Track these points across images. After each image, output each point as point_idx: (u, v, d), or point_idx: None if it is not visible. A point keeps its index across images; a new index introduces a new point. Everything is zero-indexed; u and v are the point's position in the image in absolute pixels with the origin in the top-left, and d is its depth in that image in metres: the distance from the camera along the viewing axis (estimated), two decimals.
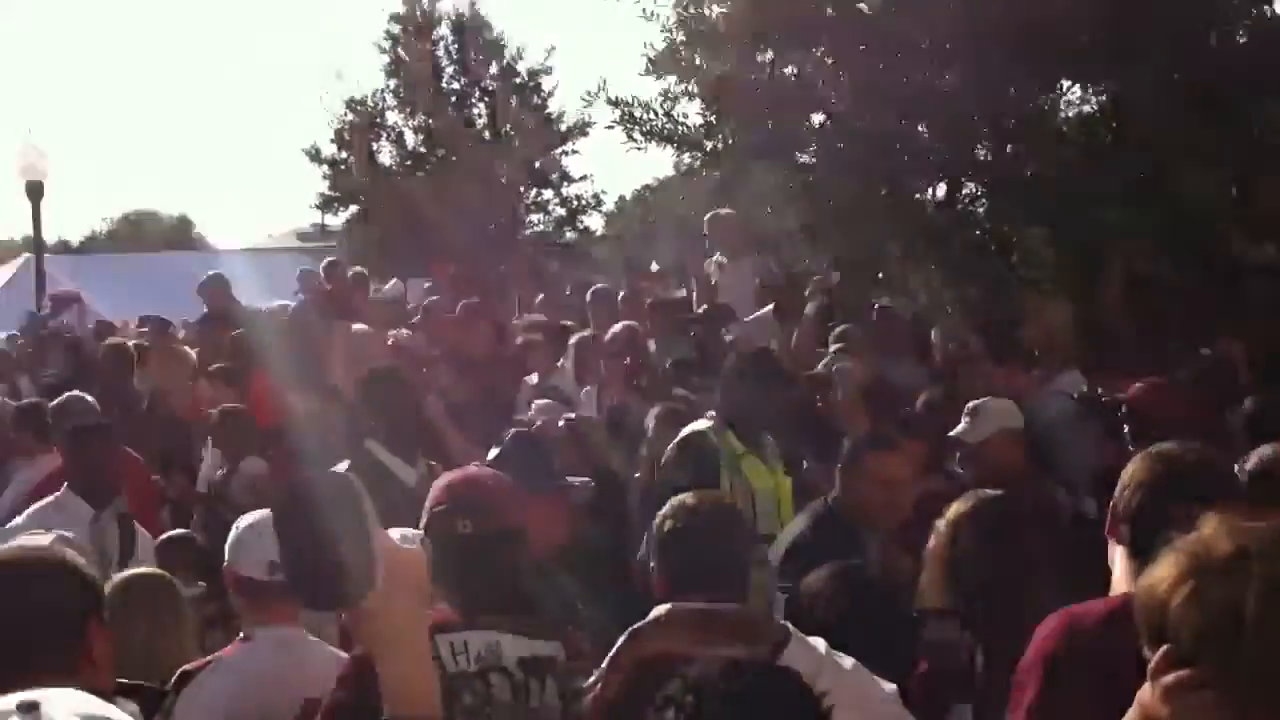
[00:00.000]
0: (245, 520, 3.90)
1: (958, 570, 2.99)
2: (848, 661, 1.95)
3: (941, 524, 3.16)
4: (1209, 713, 1.61)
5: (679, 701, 1.76)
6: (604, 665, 2.03)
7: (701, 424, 5.26)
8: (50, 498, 5.58)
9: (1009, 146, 10.02)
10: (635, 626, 2.02)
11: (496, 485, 3.29)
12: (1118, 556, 2.71)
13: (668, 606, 2.06)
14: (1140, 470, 2.72)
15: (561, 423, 6.27)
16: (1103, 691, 2.02)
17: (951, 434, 5.41)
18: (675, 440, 5.29)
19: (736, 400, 5.36)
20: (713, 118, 10.78)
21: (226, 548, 3.90)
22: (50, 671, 2.19)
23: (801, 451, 5.99)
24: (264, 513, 3.55)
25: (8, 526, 5.36)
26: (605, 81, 11.17)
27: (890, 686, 1.99)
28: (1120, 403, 5.32)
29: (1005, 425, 5.33)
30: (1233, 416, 5.46)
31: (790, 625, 1.98)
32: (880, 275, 10.05)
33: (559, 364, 8.54)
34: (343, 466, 4.61)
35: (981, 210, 10.43)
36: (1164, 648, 1.67)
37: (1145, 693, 1.73)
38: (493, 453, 4.47)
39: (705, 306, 8.16)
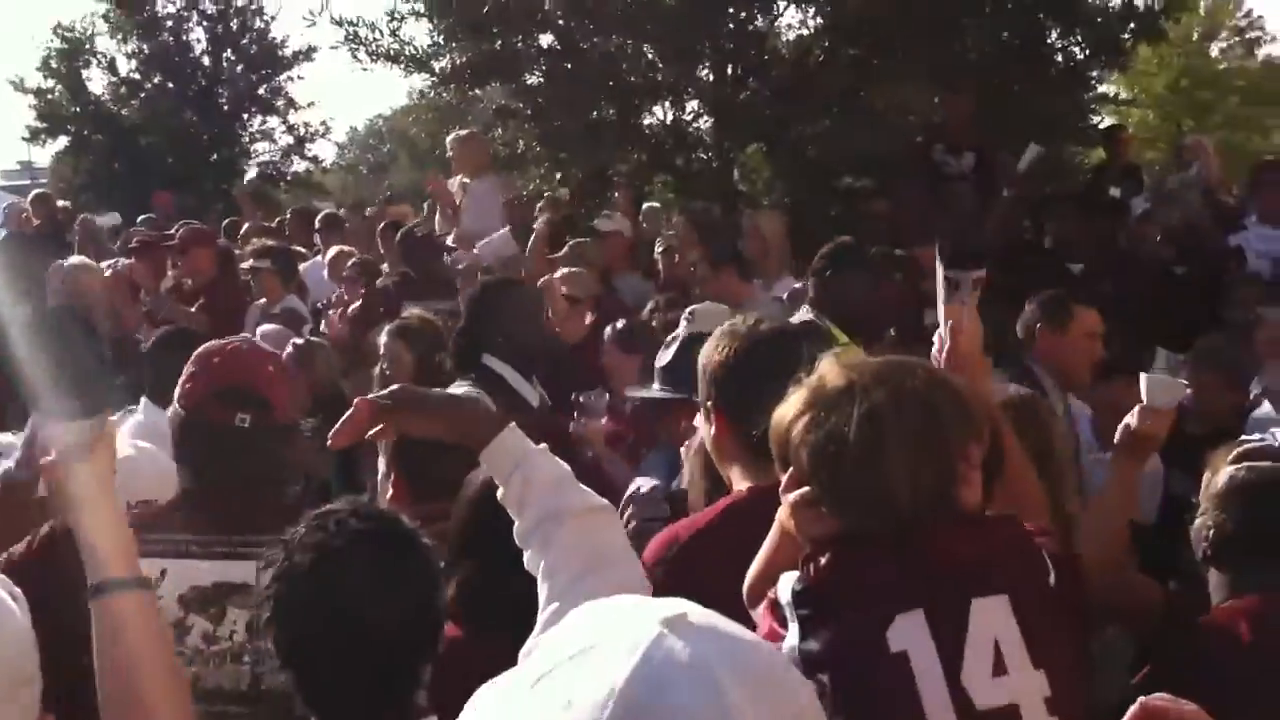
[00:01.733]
0: None
1: None
2: (558, 468, 2.10)
3: None
4: (822, 523, 1.85)
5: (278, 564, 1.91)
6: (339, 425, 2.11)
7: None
8: None
9: (729, 68, 10.30)
10: (372, 397, 2.15)
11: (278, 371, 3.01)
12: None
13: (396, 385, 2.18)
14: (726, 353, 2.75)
15: (290, 347, 6.18)
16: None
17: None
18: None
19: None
20: (440, 38, 10.69)
21: None
22: None
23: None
24: None
25: None
26: (328, 1, 10.93)
27: (600, 501, 2.11)
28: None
29: (720, 323, 5.51)
30: (930, 315, 5.84)
31: (512, 425, 2.11)
32: (613, 195, 10.22)
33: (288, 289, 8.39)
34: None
35: (705, 129, 10.71)
36: (790, 470, 1.91)
37: (781, 510, 1.97)
38: None
39: (404, 231, 8.16)
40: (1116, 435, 3.14)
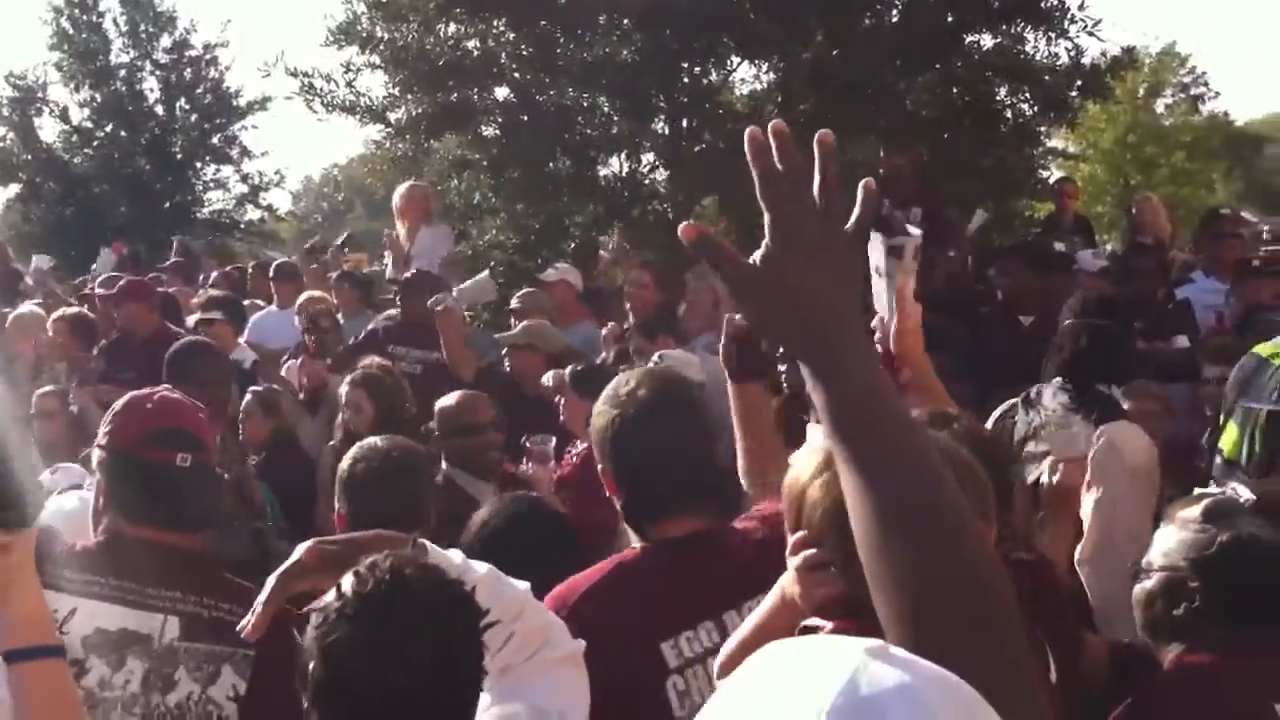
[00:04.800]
0: None
1: None
2: (481, 567, 2.06)
3: None
4: (828, 586, 1.81)
5: (325, 609, 1.81)
6: (253, 610, 2.06)
7: None
8: None
9: (684, 121, 10.40)
10: (280, 570, 2.06)
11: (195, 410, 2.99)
12: None
13: (308, 543, 2.08)
14: None
15: (249, 395, 6.20)
16: None
17: None
18: None
19: None
20: (395, 89, 10.72)
21: None
22: None
23: None
24: None
25: None
26: (283, 52, 10.95)
27: (523, 584, 2.11)
28: None
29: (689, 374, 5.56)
30: None
31: (426, 542, 2.07)
32: (569, 246, 10.27)
33: (240, 341, 8.34)
34: None
35: (660, 181, 10.78)
36: (800, 533, 1.86)
37: (783, 578, 1.91)
38: None
39: (408, 275, 8.10)
40: (1043, 495, 3.18)
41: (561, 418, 5.53)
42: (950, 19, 10.30)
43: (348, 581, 1.81)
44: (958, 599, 1.29)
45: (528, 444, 4.93)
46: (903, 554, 1.31)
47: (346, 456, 3.46)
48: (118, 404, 2.95)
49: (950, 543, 1.31)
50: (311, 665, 1.81)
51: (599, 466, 2.74)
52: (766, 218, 1.38)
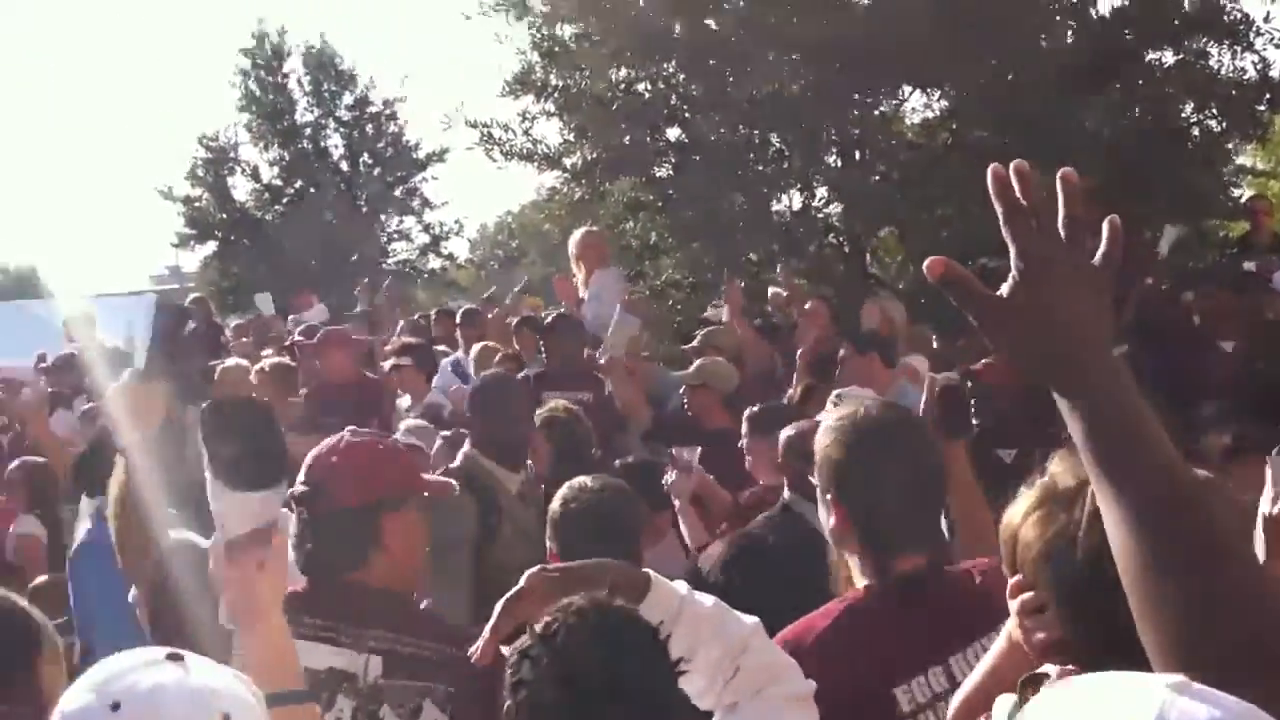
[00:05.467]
0: None
1: None
2: (708, 600, 2.07)
3: None
4: (1049, 630, 1.76)
5: (529, 654, 1.84)
6: (480, 640, 2.08)
7: None
8: None
9: (856, 153, 10.36)
10: (504, 598, 2.09)
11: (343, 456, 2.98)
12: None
13: (533, 570, 2.11)
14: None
15: (439, 441, 6.31)
16: None
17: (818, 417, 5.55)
18: None
19: None
20: (570, 136, 10.95)
21: None
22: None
23: None
24: None
25: None
26: (463, 104, 11.32)
27: (751, 619, 2.11)
28: (967, 376, 5.54)
29: None
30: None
31: (651, 572, 2.09)
32: (741, 283, 10.31)
33: (431, 386, 8.56)
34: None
35: (835, 215, 10.75)
36: (1016, 576, 1.82)
37: (1009, 621, 1.89)
38: None
39: (549, 320, 8.24)
40: (1258, 528, 3.04)
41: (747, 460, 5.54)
42: (1129, 36, 10.05)
43: (541, 621, 1.86)
44: (1237, 625, 1.27)
45: (673, 453, 5.05)
46: (1175, 579, 1.29)
47: (556, 496, 3.53)
48: (321, 451, 3.00)
49: (1225, 566, 1.29)
50: (506, 704, 1.87)
51: (826, 496, 2.74)
52: (1012, 251, 1.41)
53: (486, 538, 4.69)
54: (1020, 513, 1.83)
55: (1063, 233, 1.41)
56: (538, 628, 1.83)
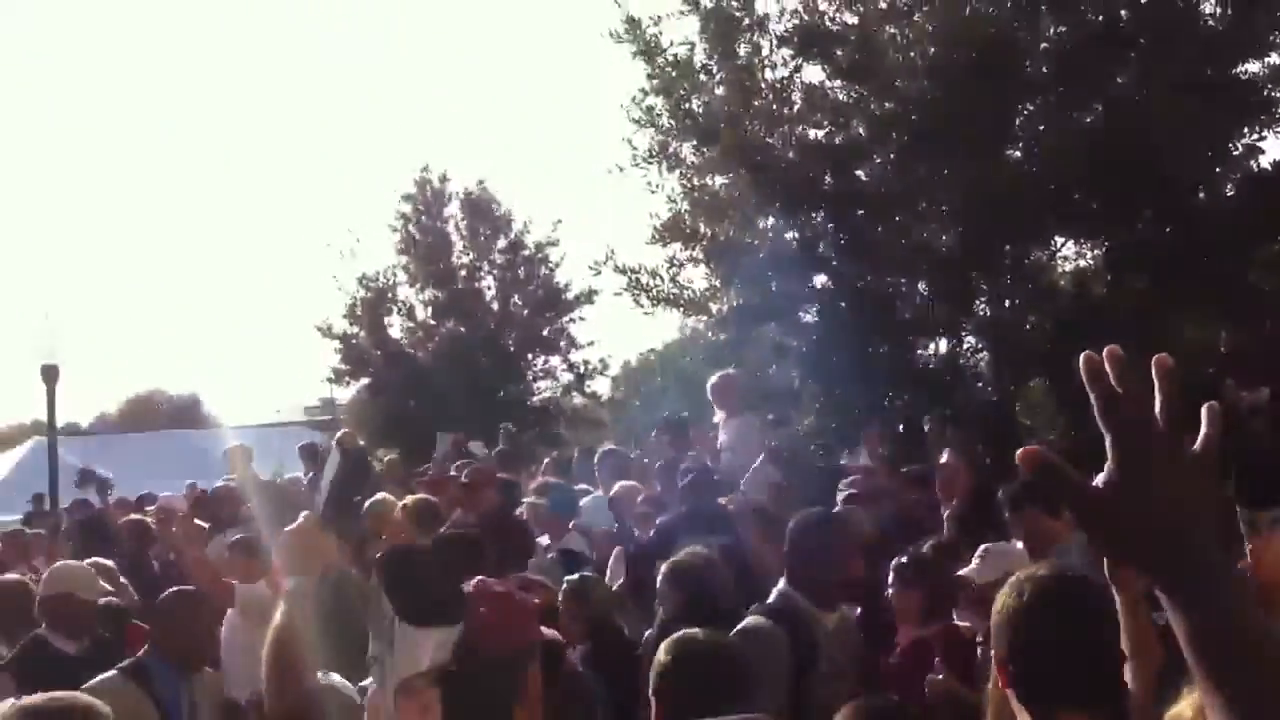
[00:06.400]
0: None
1: None
2: None
3: None
4: None
5: None
6: None
7: None
8: None
9: (1006, 302, 10.22)
10: None
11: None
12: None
13: None
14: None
15: (566, 584, 6.28)
16: None
17: (960, 573, 5.40)
18: None
19: None
20: (717, 282, 11.06)
21: None
22: None
23: None
24: None
25: None
26: (613, 251, 11.52)
27: None
28: None
29: (1013, 567, 5.32)
30: None
31: None
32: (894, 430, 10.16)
33: (569, 525, 8.56)
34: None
35: (982, 364, 10.57)
36: None
37: None
38: None
39: (690, 476, 8.20)
40: None
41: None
42: None
43: None
44: None
45: None
46: None
47: (661, 648, 3.42)
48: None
49: None
50: None
51: (992, 653, 2.65)
52: (1108, 440, 1.34)
53: (804, 669, 4.63)
54: (1192, 707, 1.74)
55: (1160, 421, 1.34)
56: None
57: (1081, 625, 2.62)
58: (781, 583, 4.91)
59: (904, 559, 5.55)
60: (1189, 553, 1.30)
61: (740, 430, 9.15)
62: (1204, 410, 1.36)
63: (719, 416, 9.55)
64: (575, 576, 6.49)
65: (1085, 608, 2.66)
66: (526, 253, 25.74)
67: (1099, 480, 1.33)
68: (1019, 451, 1.35)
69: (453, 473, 9.65)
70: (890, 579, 5.43)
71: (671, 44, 11.08)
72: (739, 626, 4.57)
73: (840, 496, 7.33)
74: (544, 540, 8.17)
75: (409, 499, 8.98)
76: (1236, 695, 1.24)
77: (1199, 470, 1.34)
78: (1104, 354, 1.35)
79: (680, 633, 3.44)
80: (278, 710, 2.90)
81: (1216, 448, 1.36)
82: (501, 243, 25.86)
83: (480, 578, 3.02)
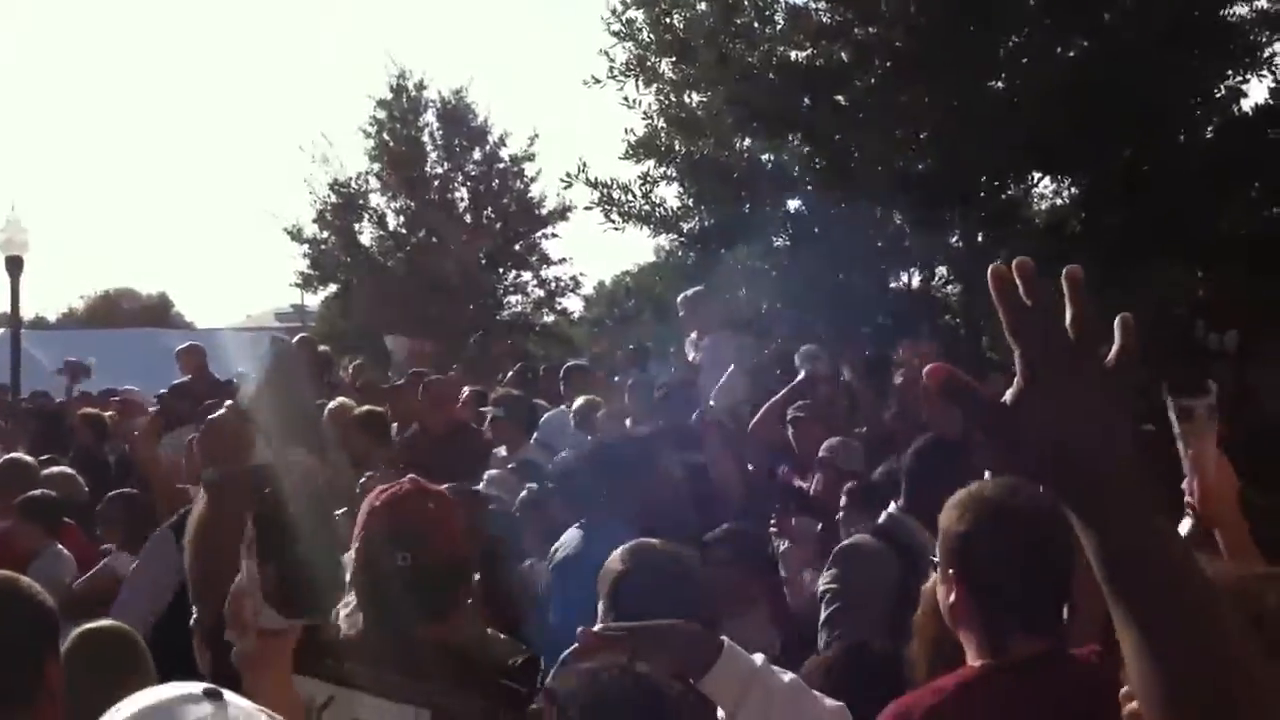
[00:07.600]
0: None
1: None
2: (786, 677, 1.96)
3: None
4: None
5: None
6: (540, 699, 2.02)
7: None
8: None
9: (980, 235, 10.17)
10: (564, 654, 2.02)
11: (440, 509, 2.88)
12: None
13: (591, 628, 2.02)
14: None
15: (524, 493, 6.28)
16: None
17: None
18: None
19: None
20: (690, 200, 10.95)
21: None
22: (10, 702, 2.19)
23: None
24: None
25: None
26: (585, 164, 11.30)
27: (833, 703, 1.99)
28: None
29: None
30: None
31: (726, 640, 1.98)
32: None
33: (530, 441, 8.52)
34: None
35: (953, 296, 10.55)
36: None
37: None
38: None
39: (660, 392, 8.14)
40: None
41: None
42: (1271, 135, 9.75)
43: (569, 678, 1.81)
44: None
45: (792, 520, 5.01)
46: (1196, 713, 1.19)
47: (615, 558, 3.37)
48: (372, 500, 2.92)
49: (1247, 700, 1.18)
50: None
51: (948, 571, 2.60)
52: (1016, 355, 1.28)
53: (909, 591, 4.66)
54: None
55: (1070, 334, 1.28)
56: (566, 684, 1.78)
57: (1039, 546, 2.52)
58: (893, 505, 4.89)
59: (853, 485, 5.52)
60: (1095, 472, 1.24)
61: (717, 347, 9.07)
62: (1117, 322, 1.31)
63: (692, 335, 9.46)
64: (533, 485, 6.48)
65: (1043, 527, 2.54)
66: (502, 165, 25.46)
67: (1007, 397, 1.28)
68: (927, 368, 1.29)
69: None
70: (844, 501, 5.42)
71: None
72: (845, 543, 4.70)
73: (789, 416, 7.26)
74: (501, 451, 8.14)
75: (359, 410, 8.91)
76: (1151, 629, 1.20)
77: (1111, 383, 1.28)
78: (1013, 266, 1.29)
79: (637, 541, 3.40)
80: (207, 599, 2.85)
81: (1132, 362, 1.30)
82: (477, 154, 25.55)
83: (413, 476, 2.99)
